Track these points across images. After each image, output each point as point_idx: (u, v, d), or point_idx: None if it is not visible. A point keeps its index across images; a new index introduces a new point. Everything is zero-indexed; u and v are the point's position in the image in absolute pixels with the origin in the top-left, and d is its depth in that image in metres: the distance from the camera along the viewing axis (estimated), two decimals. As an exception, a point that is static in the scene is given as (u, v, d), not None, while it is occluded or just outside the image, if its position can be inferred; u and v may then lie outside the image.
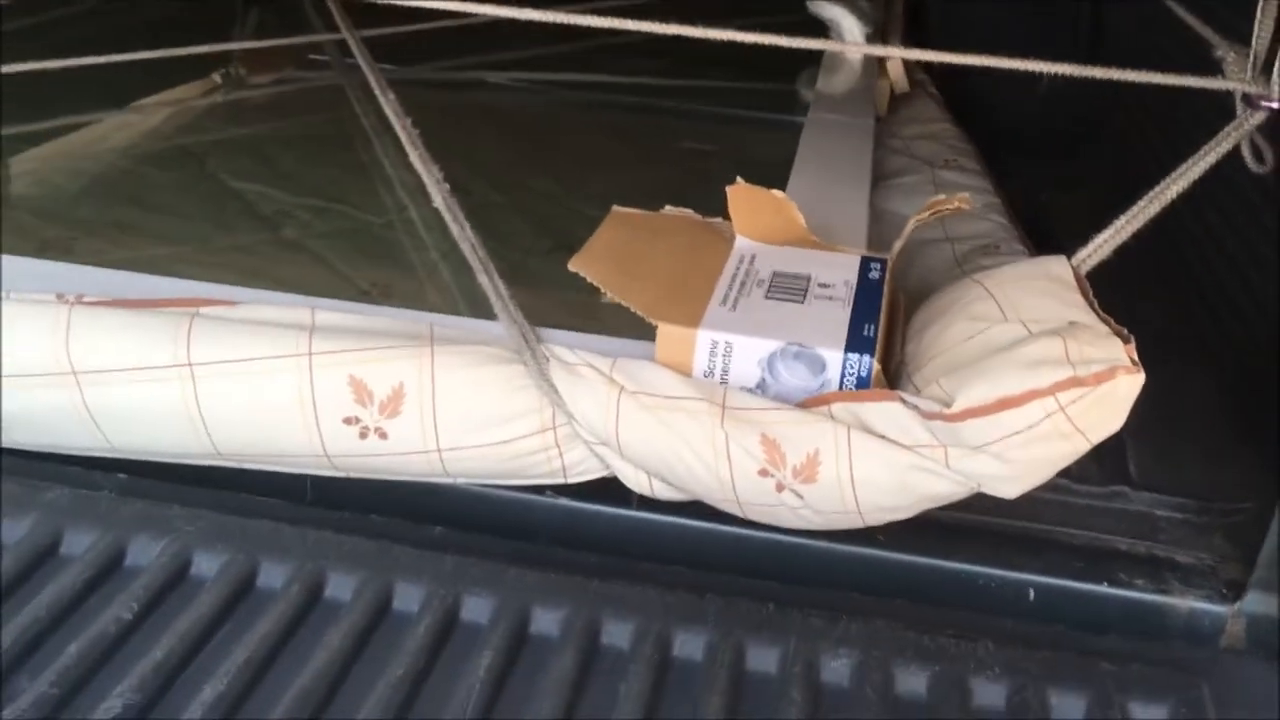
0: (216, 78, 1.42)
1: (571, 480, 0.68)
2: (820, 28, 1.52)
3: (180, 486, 0.70)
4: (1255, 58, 0.71)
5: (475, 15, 0.96)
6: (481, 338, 0.68)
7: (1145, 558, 0.73)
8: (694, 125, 1.37)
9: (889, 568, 0.70)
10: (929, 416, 0.58)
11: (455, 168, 0.86)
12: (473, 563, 0.67)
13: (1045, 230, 1.11)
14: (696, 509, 0.68)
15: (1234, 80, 0.71)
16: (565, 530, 0.72)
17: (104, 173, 1.12)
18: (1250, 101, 0.70)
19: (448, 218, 0.81)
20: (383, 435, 0.65)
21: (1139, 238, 0.72)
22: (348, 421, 0.65)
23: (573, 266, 0.69)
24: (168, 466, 0.70)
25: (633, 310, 0.65)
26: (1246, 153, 0.73)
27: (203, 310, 0.66)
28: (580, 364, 0.64)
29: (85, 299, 0.67)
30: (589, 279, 0.68)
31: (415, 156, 0.91)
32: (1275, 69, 0.70)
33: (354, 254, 0.94)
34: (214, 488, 0.71)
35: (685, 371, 0.64)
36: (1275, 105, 0.69)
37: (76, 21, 1.51)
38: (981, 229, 1.04)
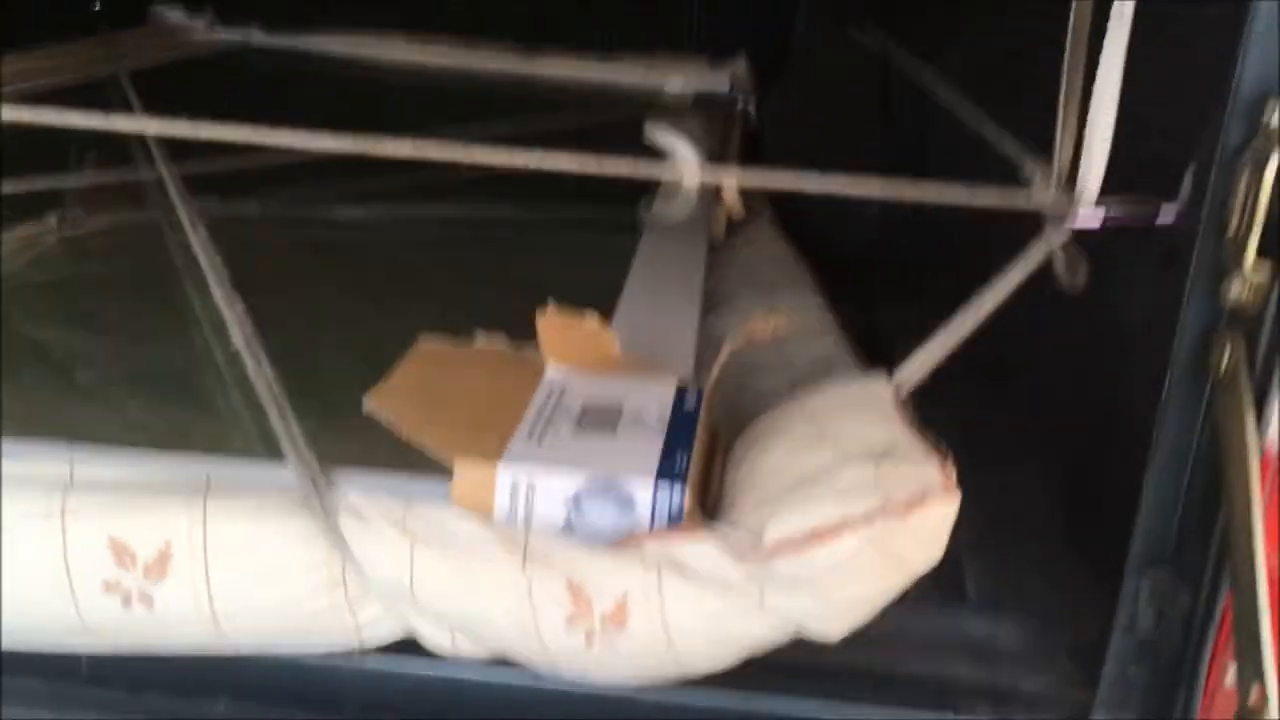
0: (52, 221, 1.35)
1: (369, 643, 0.62)
2: (658, 157, 1.53)
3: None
4: (1059, 175, 0.72)
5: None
6: (267, 484, 0.62)
7: (987, 687, 0.69)
8: (534, 256, 1.35)
9: (720, 715, 0.65)
10: (742, 553, 0.54)
11: (279, 304, 0.82)
12: (257, 741, 0.60)
13: (882, 349, 1.11)
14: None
15: (1037, 197, 0.71)
16: (373, 695, 0.65)
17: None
18: (1052, 220, 0.70)
19: (245, 354, 0.76)
20: (148, 602, 0.58)
21: (971, 348, 0.71)
22: (108, 588, 0.58)
23: (368, 405, 0.64)
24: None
25: (429, 450, 0.61)
26: (1059, 268, 0.73)
27: (-55, 467, 0.59)
28: (371, 511, 0.59)
29: None
30: (383, 418, 0.63)
31: (219, 292, 0.86)
32: (1076, 189, 0.70)
33: (152, 398, 0.87)
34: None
35: (486, 513, 0.59)
36: (1075, 225, 0.69)
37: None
38: (816, 352, 1.02)
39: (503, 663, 0.62)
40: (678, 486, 0.58)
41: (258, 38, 2.42)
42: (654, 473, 0.59)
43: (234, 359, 0.91)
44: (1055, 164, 0.72)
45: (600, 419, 0.64)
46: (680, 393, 0.68)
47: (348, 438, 0.68)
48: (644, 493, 0.58)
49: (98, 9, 2.16)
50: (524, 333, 0.80)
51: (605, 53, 2.39)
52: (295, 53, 2.38)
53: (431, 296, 1.18)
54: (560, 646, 0.57)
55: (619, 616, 0.55)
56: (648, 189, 1.51)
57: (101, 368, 0.92)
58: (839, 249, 1.36)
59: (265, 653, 0.63)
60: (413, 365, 0.70)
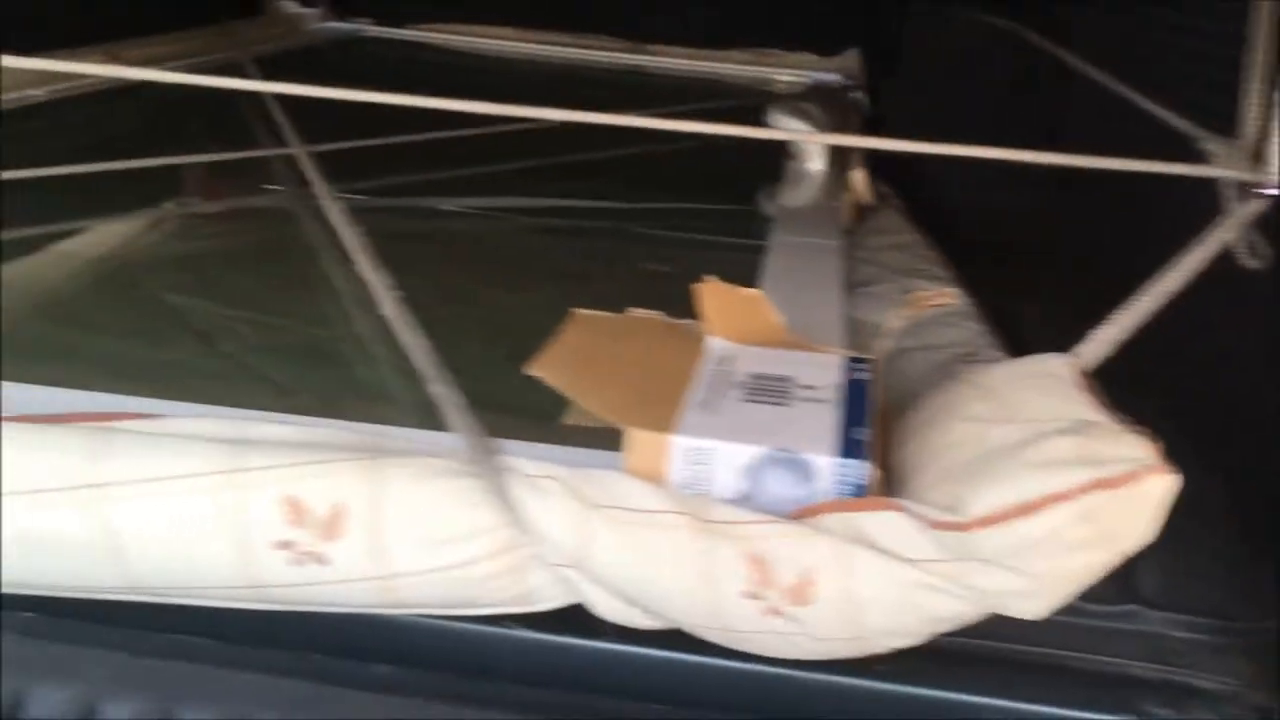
0: (170, 205, 1.37)
1: (536, 608, 0.60)
2: (781, 147, 1.51)
3: (89, 625, 0.62)
4: (1245, 145, 0.69)
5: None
6: (431, 450, 0.61)
7: (1165, 684, 0.66)
8: (651, 248, 1.34)
9: (887, 701, 0.63)
10: (937, 527, 0.52)
11: (408, 285, 0.81)
12: (422, 706, 0.60)
13: (1017, 338, 1.07)
14: (676, 639, 0.61)
15: (1228, 168, 0.68)
16: (528, 666, 0.64)
17: (26, 295, 1.06)
18: (1247, 190, 0.67)
19: (396, 324, 0.76)
20: (321, 561, 0.57)
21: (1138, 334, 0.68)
22: (280, 546, 0.57)
23: (532, 371, 0.63)
24: (74, 604, 0.62)
25: (598, 416, 0.59)
26: (1243, 246, 0.69)
27: (119, 424, 0.59)
28: (542, 476, 0.58)
29: (-14, 414, 0.59)
30: (549, 384, 0.62)
31: (362, 263, 0.86)
32: (1269, 160, 0.67)
33: (295, 368, 0.87)
34: (127, 627, 0.62)
35: (658, 482, 0.58)
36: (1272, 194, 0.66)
37: (30, 138, 1.46)
38: (958, 336, 0.99)
39: (664, 635, 0.61)
40: (860, 464, 0.56)
41: (369, 29, 2.46)
42: (835, 445, 0.57)
43: (376, 331, 0.91)
44: (1243, 133, 0.69)
45: (770, 389, 0.62)
46: (849, 362, 0.66)
47: (489, 413, 0.67)
48: (825, 465, 0.56)
49: (216, -3, 2.20)
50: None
51: (714, 45, 2.38)
52: (406, 43, 2.41)
53: (554, 284, 1.18)
54: (739, 620, 0.55)
55: (803, 590, 0.53)
56: (766, 180, 1.49)
57: (245, 338, 0.93)
58: (966, 244, 1.33)
59: (431, 616, 0.62)
60: (570, 335, 0.69)
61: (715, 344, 0.68)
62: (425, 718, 0.59)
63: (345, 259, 0.96)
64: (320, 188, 1.07)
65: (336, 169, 1.23)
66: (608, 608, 0.59)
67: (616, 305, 0.82)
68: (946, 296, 0.65)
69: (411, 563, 0.58)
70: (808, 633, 0.55)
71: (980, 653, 0.65)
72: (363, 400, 0.80)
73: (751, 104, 2.16)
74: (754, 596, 0.54)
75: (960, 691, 0.63)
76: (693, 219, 1.44)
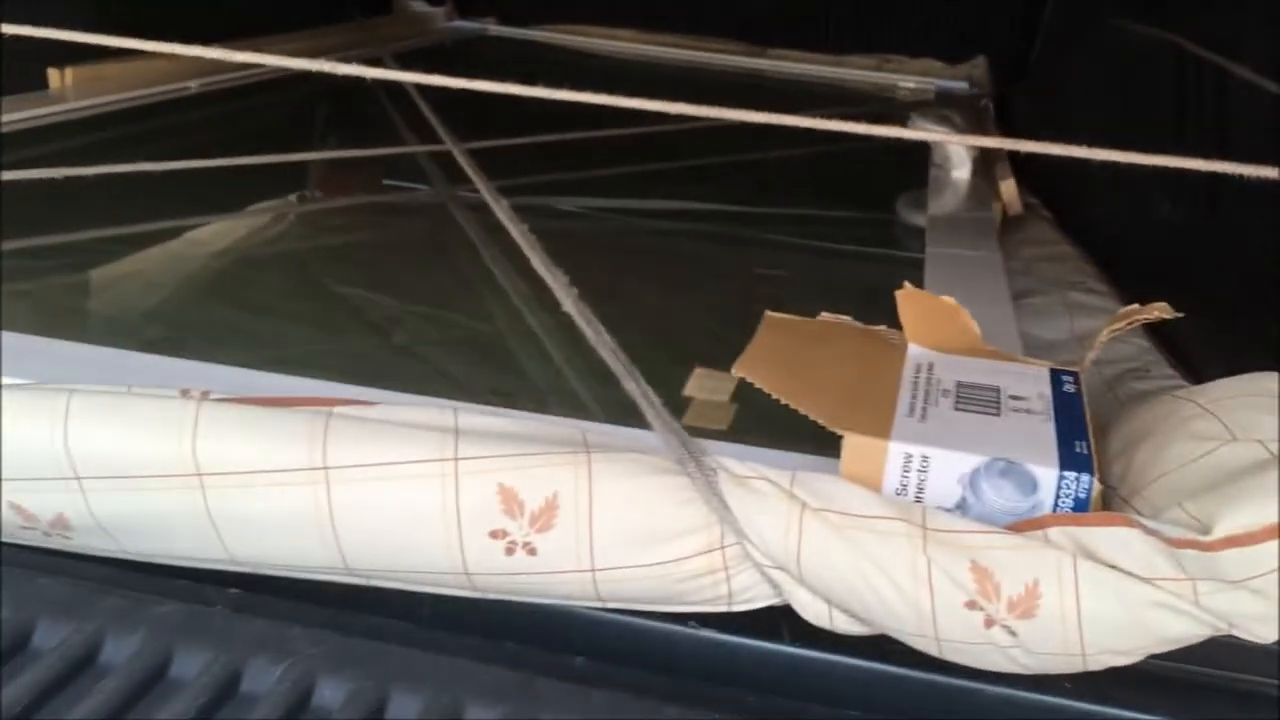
0: (293, 199, 1.40)
1: (736, 608, 0.61)
2: (918, 154, 1.50)
3: (298, 604, 0.64)
4: None
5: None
6: (632, 446, 0.62)
7: None
8: (796, 255, 1.34)
9: (1059, 717, 0.62)
10: (1179, 545, 0.51)
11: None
12: (626, 701, 0.60)
13: (1180, 353, 1.05)
14: (861, 646, 0.61)
15: None
16: (724, 666, 0.64)
17: (198, 279, 1.09)
18: None
19: (580, 322, 0.77)
20: (531, 551, 0.58)
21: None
22: (494, 535, 0.58)
23: (737, 372, 0.63)
24: (283, 582, 0.64)
25: (812, 419, 0.59)
26: None
27: (338, 409, 0.61)
28: (753, 477, 0.58)
29: (213, 395, 0.61)
30: (757, 385, 0.62)
31: (538, 261, 0.87)
32: None
33: (470, 361, 0.89)
34: (333, 607, 0.64)
35: (872, 488, 0.57)
36: None
37: (161, 135, 1.51)
38: (1127, 352, 0.98)
39: (839, 645, 0.61)
40: (1085, 477, 0.55)
41: (493, 28, 2.49)
42: (1057, 456, 0.56)
43: (543, 326, 0.92)
44: None
45: (980, 399, 0.62)
46: (1055, 375, 0.65)
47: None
48: (1049, 477, 0.55)
49: (348, -3, 2.25)
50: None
51: (836, 49, 2.36)
52: (528, 43, 2.43)
53: (702, 287, 1.18)
54: (956, 631, 0.54)
55: (1027, 602, 0.53)
56: (901, 189, 1.48)
57: (417, 331, 0.94)
58: (1112, 256, 1.30)
59: (628, 611, 0.62)
60: (767, 336, 0.69)
61: (916, 351, 0.67)
62: (630, 716, 0.59)
63: (506, 255, 0.97)
64: (482, 184, 1.09)
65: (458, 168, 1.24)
66: (813, 611, 0.58)
67: (768, 306, 0.82)
68: (1159, 311, 0.64)
69: (620, 558, 0.58)
70: (1025, 646, 0.54)
71: (1158, 673, 0.64)
72: (531, 394, 0.81)
73: (877, 110, 2.14)
74: (975, 607, 0.54)
75: (1141, 711, 0.62)
76: (829, 226, 1.43)
